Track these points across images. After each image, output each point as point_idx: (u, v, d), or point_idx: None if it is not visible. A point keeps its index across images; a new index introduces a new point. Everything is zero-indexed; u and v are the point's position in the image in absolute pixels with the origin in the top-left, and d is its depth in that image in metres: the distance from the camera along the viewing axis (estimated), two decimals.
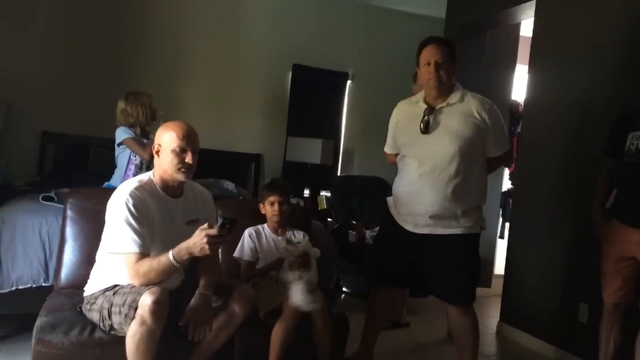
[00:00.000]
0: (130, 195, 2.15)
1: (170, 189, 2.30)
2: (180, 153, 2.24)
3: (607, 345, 2.89)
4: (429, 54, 2.63)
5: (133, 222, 2.11)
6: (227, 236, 2.06)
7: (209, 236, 1.99)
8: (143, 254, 2.12)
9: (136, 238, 2.11)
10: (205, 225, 2.02)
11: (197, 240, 2.01)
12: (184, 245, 2.05)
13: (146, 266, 2.09)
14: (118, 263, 2.16)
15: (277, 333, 2.40)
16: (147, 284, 2.09)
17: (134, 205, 2.13)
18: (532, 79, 4.01)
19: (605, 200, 2.98)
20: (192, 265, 2.34)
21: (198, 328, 2.17)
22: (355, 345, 2.97)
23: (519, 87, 5.25)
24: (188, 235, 2.11)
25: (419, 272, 2.75)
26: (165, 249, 2.13)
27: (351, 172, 5.75)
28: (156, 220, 2.21)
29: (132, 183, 2.23)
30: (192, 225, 2.25)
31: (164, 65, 5.01)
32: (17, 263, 2.81)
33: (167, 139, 2.25)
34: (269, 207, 2.78)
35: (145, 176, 2.30)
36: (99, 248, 2.30)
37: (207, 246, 1.99)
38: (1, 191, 3.38)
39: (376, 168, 4.94)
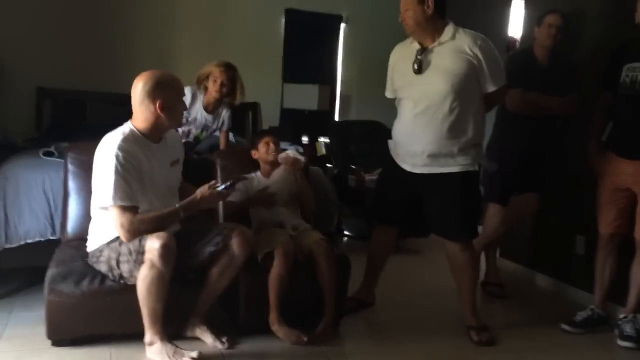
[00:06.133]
0: (119, 148, 2.16)
1: (153, 136, 2.33)
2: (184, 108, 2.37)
3: (603, 275, 2.98)
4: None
5: (124, 174, 2.15)
6: (229, 192, 2.29)
7: (213, 194, 2.13)
8: (133, 207, 2.16)
9: (127, 191, 2.14)
10: (213, 182, 2.18)
11: (207, 196, 2.15)
12: (187, 201, 2.17)
13: (151, 215, 2.16)
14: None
15: (272, 279, 2.48)
16: (134, 237, 2.15)
17: (124, 157, 2.16)
18: (528, 14, 3.95)
19: (601, 133, 3.01)
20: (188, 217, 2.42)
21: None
22: (357, 285, 3.06)
23: (516, 22, 5.15)
24: (172, 175, 2.38)
25: (419, 211, 2.80)
26: (155, 191, 2.27)
27: (349, 117, 5.71)
28: (145, 167, 2.25)
29: (117, 136, 2.22)
30: (174, 166, 2.43)
31: (155, 16, 4.91)
32: (23, 218, 2.85)
33: (176, 94, 2.29)
34: (264, 148, 2.89)
35: (125, 127, 2.29)
36: (92, 204, 2.33)
37: (215, 201, 2.16)
38: (2, 148, 3.39)
39: (374, 112, 4.92)
